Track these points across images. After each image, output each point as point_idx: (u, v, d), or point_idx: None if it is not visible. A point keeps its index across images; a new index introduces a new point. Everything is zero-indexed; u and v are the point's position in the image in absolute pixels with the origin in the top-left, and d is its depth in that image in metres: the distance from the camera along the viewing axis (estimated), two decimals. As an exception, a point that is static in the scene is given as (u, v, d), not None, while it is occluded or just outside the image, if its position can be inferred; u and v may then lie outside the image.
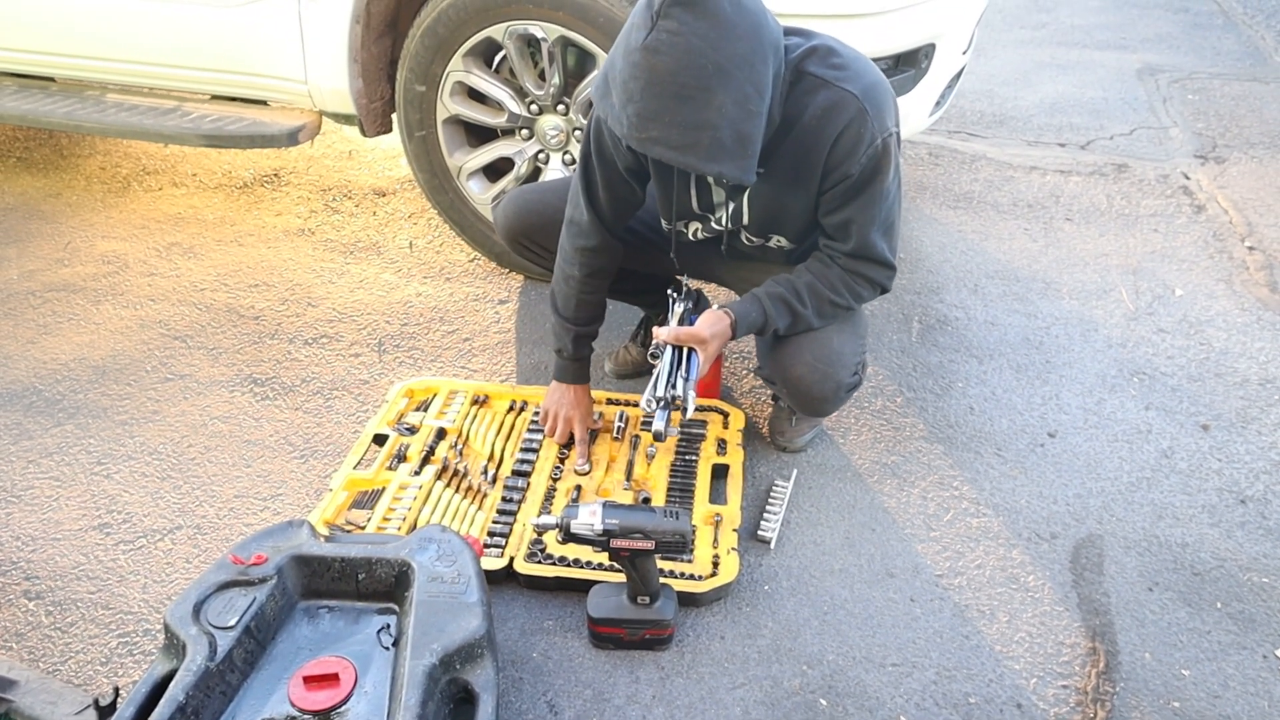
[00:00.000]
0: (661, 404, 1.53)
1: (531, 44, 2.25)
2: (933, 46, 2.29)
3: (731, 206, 1.65)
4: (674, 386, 1.53)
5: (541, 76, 2.27)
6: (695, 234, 1.75)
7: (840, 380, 1.69)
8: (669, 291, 1.77)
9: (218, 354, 2.27)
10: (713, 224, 1.71)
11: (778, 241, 1.72)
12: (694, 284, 1.86)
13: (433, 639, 1.28)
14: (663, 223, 1.77)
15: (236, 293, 2.51)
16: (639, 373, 2.18)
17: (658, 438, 1.54)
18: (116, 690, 1.30)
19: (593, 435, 1.92)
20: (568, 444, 1.90)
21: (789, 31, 1.50)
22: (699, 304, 1.77)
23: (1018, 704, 1.45)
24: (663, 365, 1.56)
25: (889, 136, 1.49)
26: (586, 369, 1.90)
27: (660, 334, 1.59)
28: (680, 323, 1.68)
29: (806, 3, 2.04)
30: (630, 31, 1.33)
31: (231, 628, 1.29)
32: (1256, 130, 3.62)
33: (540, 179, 2.42)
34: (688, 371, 1.54)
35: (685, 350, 1.58)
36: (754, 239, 1.73)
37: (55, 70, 2.73)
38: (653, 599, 1.49)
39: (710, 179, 1.61)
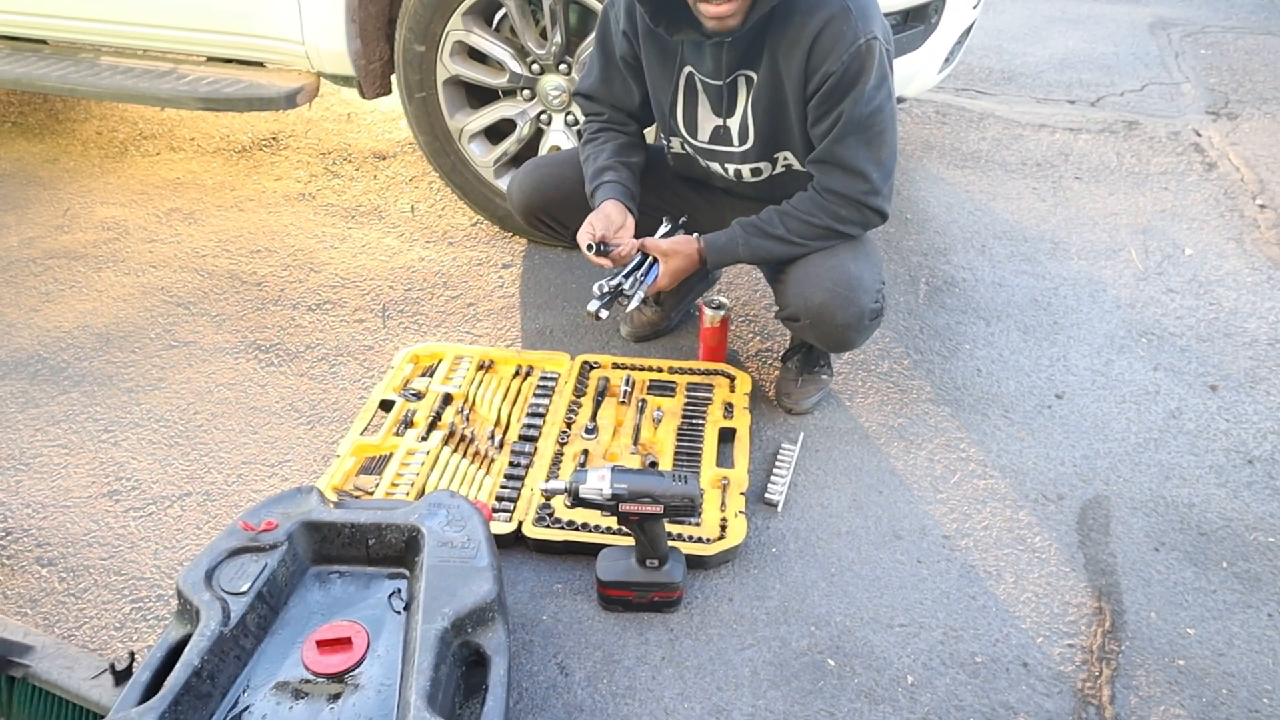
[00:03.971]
0: (607, 293, 1.67)
1: (533, 2, 2.20)
2: (943, 1, 2.24)
3: (737, 122, 1.68)
4: (626, 283, 1.69)
5: (543, 35, 2.23)
6: (705, 166, 1.82)
7: (863, 306, 1.68)
8: (665, 216, 1.89)
9: (221, 321, 2.26)
10: (718, 150, 1.76)
11: (785, 161, 1.73)
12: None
13: (444, 603, 1.29)
14: (670, 144, 1.84)
15: (238, 259, 2.50)
16: (655, 334, 2.17)
17: (590, 315, 1.66)
18: (132, 655, 1.31)
19: (602, 392, 1.92)
20: (578, 397, 1.92)
21: None
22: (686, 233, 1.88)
23: (1024, 663, 1.46)
24: (629, 264, 1.72)
25: (873, 39, 1.52)
26: (614, 190, 1.75)
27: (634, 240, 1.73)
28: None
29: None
30: None
31: (244, 593, 1.30)
32: (1270, 85, 3.56)
33: (542, 140, 2.39)
34: (644, 276, 1.71)
35: (650, 259, 1.73)
36: (761, 168, 1.76)
37: (48, 33, 2.68)
38: (661, 562, 1.50)
39: (700, 83, 1.68)
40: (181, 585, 1.30)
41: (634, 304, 1.70)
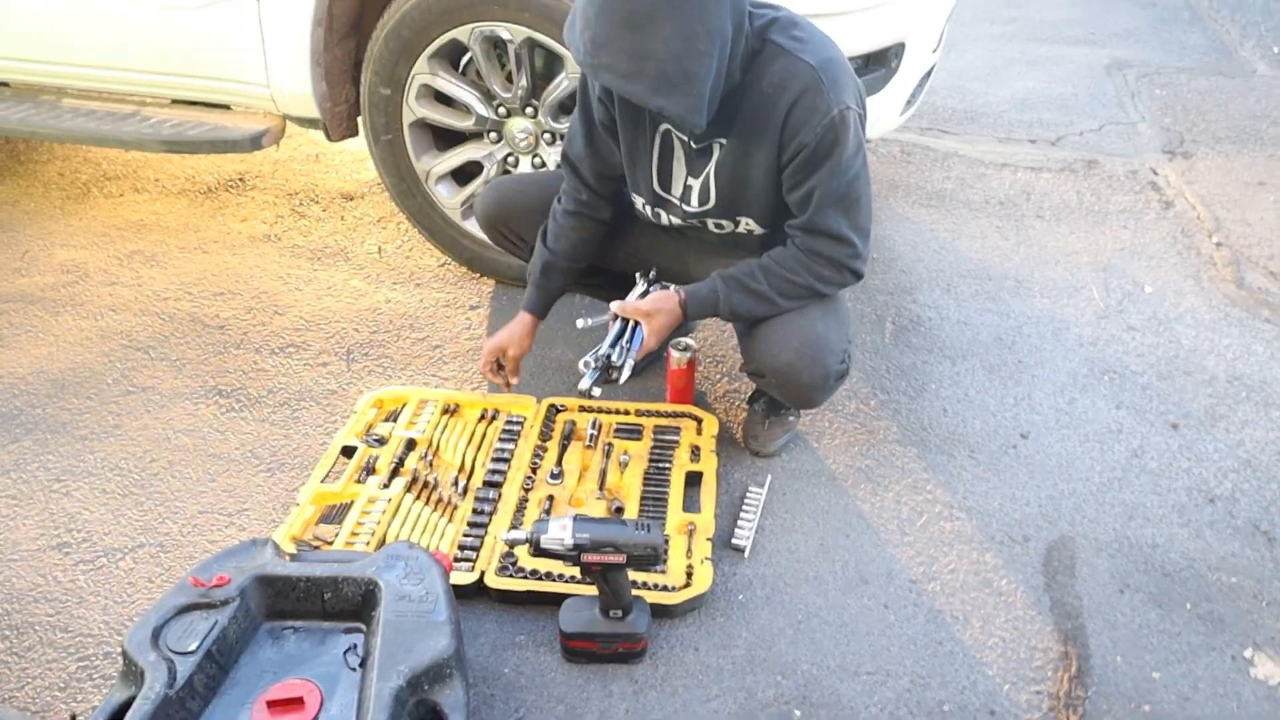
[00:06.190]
0: (596, 368, 1.65)
1: (498, 46, 2.21)
2: (902, 46, 2.29)
3: (699, 184, 1.68)
4: (614, 353, 1.67)
5: (509, 79, 2.24)
6: (667, 221, 1.79)
7: (829, 367, 1.69)
8: (637, 274, 1.86)
9: (181, 365, 2.22)
10: (680, 207, 1.74)
11: (747, 225, 1.73)
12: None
13: (400, 659, 1.26)
14: (635, 201, 1.82)
15: (201, 301, 2.46)
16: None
17: (583, 394, 1.66)
18: (74, 717, 1.27)
19: (568, 436, 1.91)
20: (544, 441, 1.91)
21: (759, 4, 1.57)
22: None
23: (991, 710, 1.45)
24: (610, 334, 1.69)
25: (846, 110, 1.52)
26: (545, 301, 1.91)
27: (613, 306, 1.71)
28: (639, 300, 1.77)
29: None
30: None
31: (192, 653, 1.26)
32: (1223, 125, 3.66)
33: (510, 182, 2.39)
34: (630, 343, 1.67)
35: (632, 323, 1.69)
36: (723, 224, 1.74)
37: (8, 75, 2.66)
38: (625, 612, 1.47)
39: (677, 140, 1.66)
40: (127, 645, 1.26)
41: (626, 374, 1.65)
